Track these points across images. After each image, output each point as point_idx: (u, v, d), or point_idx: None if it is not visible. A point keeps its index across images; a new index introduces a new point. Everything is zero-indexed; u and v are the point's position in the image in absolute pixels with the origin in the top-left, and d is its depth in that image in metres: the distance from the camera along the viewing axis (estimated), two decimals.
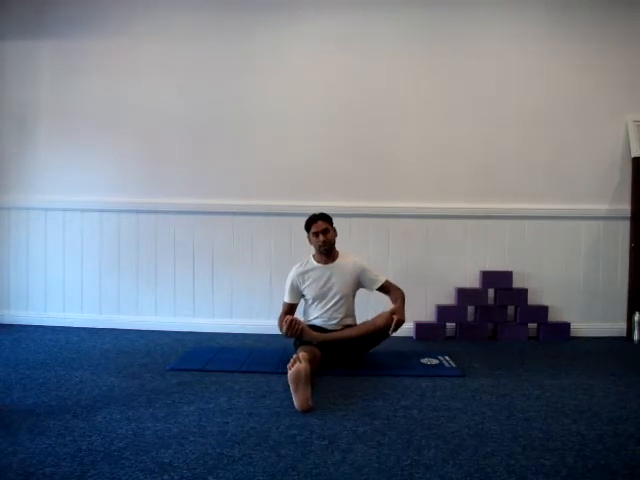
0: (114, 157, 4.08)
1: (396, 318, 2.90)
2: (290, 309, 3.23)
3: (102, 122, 4.09)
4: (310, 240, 3.24)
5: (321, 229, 3.14)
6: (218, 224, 4.04)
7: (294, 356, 2.46)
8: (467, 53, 4.00)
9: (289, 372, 2.36)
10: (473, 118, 4.00)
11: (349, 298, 3.19)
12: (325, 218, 3.20)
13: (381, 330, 2.95)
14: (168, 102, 4.05)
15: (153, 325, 4.01)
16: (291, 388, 2.36)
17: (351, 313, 3.22)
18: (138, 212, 4.07)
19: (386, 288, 3.20)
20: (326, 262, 3.20)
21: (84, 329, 3.95)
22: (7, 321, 4.10)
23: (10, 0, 4.10)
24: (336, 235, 3.24)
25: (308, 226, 3.22)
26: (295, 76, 4.05)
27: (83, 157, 4.09)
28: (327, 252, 3.18)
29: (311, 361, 2.61)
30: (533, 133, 3.99)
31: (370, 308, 3.27)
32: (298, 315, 3.27)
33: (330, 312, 3.15)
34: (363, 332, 3.00)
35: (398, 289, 3.18)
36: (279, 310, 3.25)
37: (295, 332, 2.89)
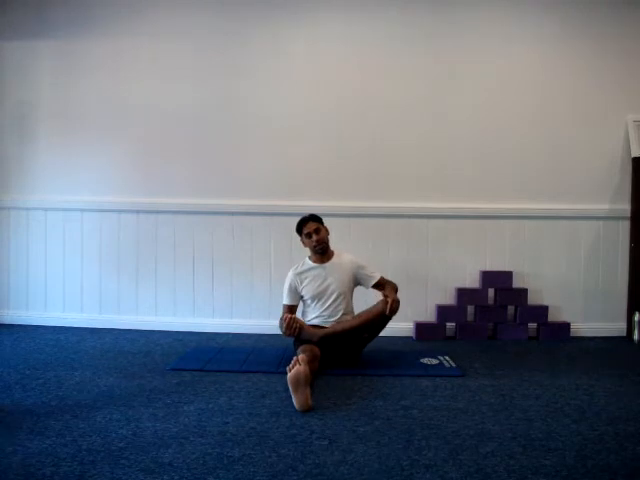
0: (114, 157, 4.08)
1: (390, 299, 2.96)
2: (290, 311, 3.21)
3: (102, 122, 4.08)
4: (304, 243, 3.25)
5: (313, 229, 3.17)
6: (218, 224, 4.04)
7: (294, 358, 2.46)
8: (467, 53, 3.99)
9: (289, 374, 2.37)
10: (473, 118, 3.99)
11: (347, 296, 3.20)
12: (314, 218, 3.23)
13: (379, 316, 3.00)
14: (168, 102, 4.05)
15: (153, 325, 4.00)
16: (290, 390, 2.37)
17: (350, 310, 3.22)
18: (138, 212, 4.07)
19: (381, 284, 3.22)
20: (322, 261, 3.21)
21: (84, 329, 3.95)
22: (7, 321, 4.10)
23: (10, 0, 4.10)
24: (328, 234, 3.25)
25: (299, 229, 3.24)
26: (295, 76, 4.05)
27: (83, 157, 4.09)
28: (322, 251, 3.19)
29: (311, 362, 2.62)
30: (533, 133, 3.99)
31: (369, 306, 3.25)
32: (298, 317, 3.29)
33: (329, 311, 3.16)
34: (362, 321, 3.03)
35: (391, 282, 3.22)
36: (279, 310, 3.25)
37: (294, 331, 2.91)
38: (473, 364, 3.13)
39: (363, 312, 3.11)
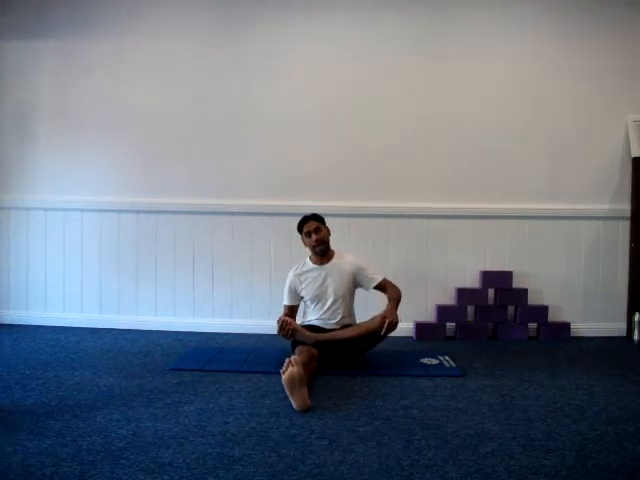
0: (114, 157, 4.08)
1: (387, 321, 2.91)
2: (291, 312, 3.22)
3: (102, 122, 4.08)
4: (304, 242, 3.24)
5: (313, 228, 3.15)
6: (218, 224, 4.04)
7: (287, 360, 2.46)
8: (467, 53, 3.99)
9: (283, 377, 2.37)
10: (472, 118, 3.99)
11: (346, 298, 3.18)
12: (316, 218, 3.21)
13: (374, 332, 2.96)
14: (168, 102, 4.05)
15: (153, 325, 4.00)
16: (287, 391, 2.37)
17: (350, 313, 3.21)
18: (138, 212, 4.07)
19: (383, 287, 3.17)
20: (322, 263, 3.20)
21: (84, 329, 3.95)
22: (7, 321, 4.10)
23: (11, 0, 4.10)
24: (329, 234, 3.24)
25: (300, 228, 3.22)
26: (295, 76, 4.05)
27: (83, 157, 4.09)
28: (322, 252, 3.17)
29: (309, 362, 2.63)
30: (533, 133, 3.99)
31: (370, 308, 3.25)
32: (299, 317, 3.29)
33: (329, 313, 3.15)
34: (356, 334, 2.99)
35: (395, 288, 3.16)
36: (279, 310, 3.25)
37: (287, 333, 2.90)
38: (473, 364, 3.13)
39: (362, 324, 3.07)
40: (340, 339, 2.98)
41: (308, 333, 2.98)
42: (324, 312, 3.15)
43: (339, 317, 3.14)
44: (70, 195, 4.08)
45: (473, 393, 2.60)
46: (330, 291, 3.15)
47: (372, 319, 3.02)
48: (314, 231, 3.14)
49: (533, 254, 3.98)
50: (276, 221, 4.00)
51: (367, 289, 3.22)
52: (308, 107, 4.03)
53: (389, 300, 3.11)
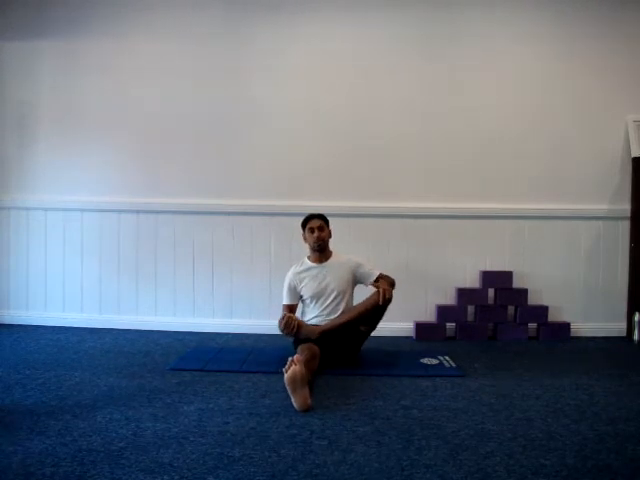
0: (114, 157, 4.08)
1: (382, 288, 2.98)
2: (290, 311, 3.23)
3: (102, 122, 4.09)
4: (305, 238, 3.28)
5: (317, 225, 3.21)
6: (218, 224, 4.04)
7: (289, 359, 2.46)
8: (466, 53, 4.00)
9: (285, 375, 2.37)
10: (473, 118, 3.99)
11: (346, 295, 3.21)
12: (322, 217, 3.27)
13: (373, 307, 3.00)
14: (168, 102, 4.05)
15: (153, 325, 4.00)
16: (289, 390, 2.37)
17: (349, 310, 3.22)
18: (138, 212, 4.07)
19: (380, 280, 3.20)
20: (320, 261, 3.24)
21: (84, 329, 3.95)
22: (7, 321, 4.10)
23: (10, 0, 4.10)
24: (330, 237, 3.29)
25: (304, 223, 3.27)
26: (295, 76, 4.05)
27: (83, 157, 4.09)
28: (320, 249, 3.22)
29: (310, 361, 2.63)
30: (533, 133, 3.99)
31: None
32: (297, 317, 3.29)
33: (328, 310, 3.16)
34: (358, 313, 3.05)
35: (389, 277, 3.21)
36: (279, 310, 3.25)
37: (292, 329, 2.92)
38: (473, 364, 3.13)
39: (358, 304, 3.12)
40: (344, 322, 3.03)
41: (312, 327, 3.03)
42: (324, 309, 3.17)
43: (338, 313, 3.15)
44: (70, 195, 4.08)
45: (473, 393, 2.60)
46: (330, 288, 3.17)
47: (367, 298, 3.07)
48: (317, 228, 3.20)
49: (533, 254, 3.98)
50: (276, 221, 4.00)
51: (367, 284, 3.25)
52: (308, 107, 4.03)
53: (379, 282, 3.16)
